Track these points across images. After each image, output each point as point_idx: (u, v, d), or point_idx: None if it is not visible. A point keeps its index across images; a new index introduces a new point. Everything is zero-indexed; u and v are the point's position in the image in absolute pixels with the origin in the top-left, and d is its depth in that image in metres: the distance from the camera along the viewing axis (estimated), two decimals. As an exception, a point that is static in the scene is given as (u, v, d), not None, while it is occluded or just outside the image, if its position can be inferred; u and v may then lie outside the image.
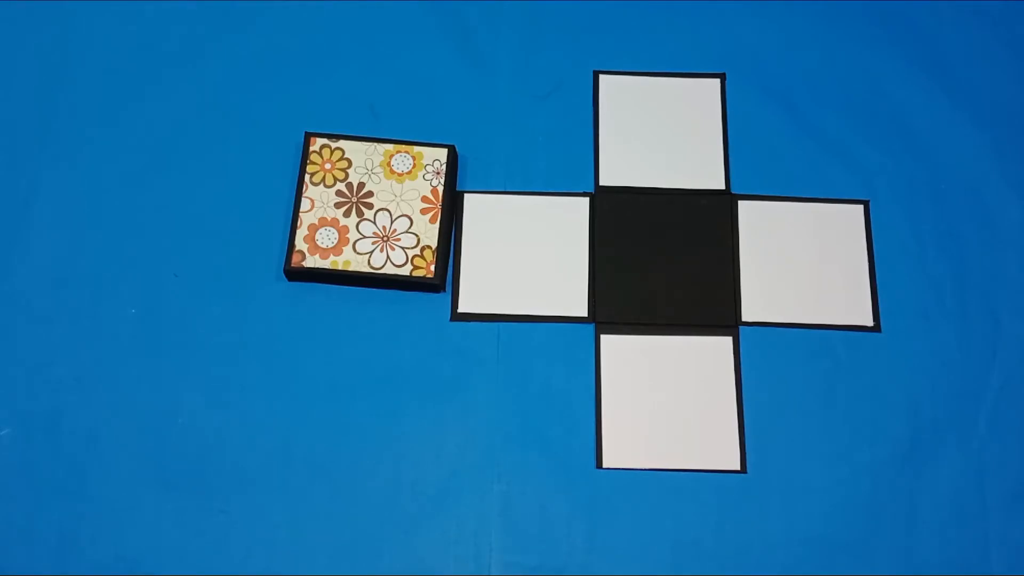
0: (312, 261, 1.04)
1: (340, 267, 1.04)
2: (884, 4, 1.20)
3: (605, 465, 0.99)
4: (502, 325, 1.04)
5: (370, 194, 1.07)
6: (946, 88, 1.15)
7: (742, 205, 1.10)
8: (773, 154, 1.12)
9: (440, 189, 1.07)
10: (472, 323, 1.04)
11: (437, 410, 1.01)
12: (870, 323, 1.05)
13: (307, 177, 1.08)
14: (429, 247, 1.05)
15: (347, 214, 1.06)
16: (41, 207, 1.08)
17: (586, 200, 1.09)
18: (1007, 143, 1.13)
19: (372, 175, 1.08)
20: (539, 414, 1.01)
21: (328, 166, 1.08)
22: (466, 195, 1.09)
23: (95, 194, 1.09)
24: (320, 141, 1.09)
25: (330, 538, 0.96)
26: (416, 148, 1.09)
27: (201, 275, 1.05)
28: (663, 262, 1.07)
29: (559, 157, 1.11)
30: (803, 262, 1.07)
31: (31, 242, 1.07)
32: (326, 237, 1.05)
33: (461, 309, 1.05)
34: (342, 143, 1.09)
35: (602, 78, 1.15)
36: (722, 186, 1.11)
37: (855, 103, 1.15)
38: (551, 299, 1.05)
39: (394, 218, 1.06)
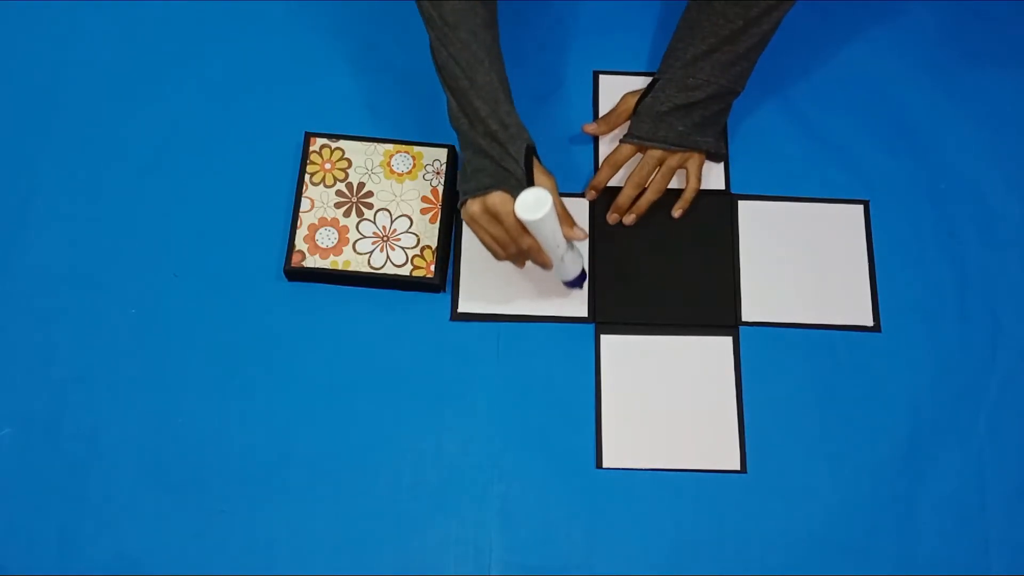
0: (312, 261, 1.04)
1: (340, 267, 1.04)
2: (884, 4, 1.20)
3: (605, 465, 0.99)
4: (502, 325, 1.04)
5: (370, 194, 1.07)
6: (946, 88, 1.15)
7: (742, 205, 1.10)
8: (773, 154, 1.12)
9: (440, 189, 1.07)
10: (472, 323, 1.04)
11: (437, 410, 1.01)
12: (870, 323, 1.05)
13: (307, 177, 1.08)
14: (429, 247, 1.05)
15: (347, 214, 1.06)
16: (41, 207, 1.08)
17: (586, 200, 1.09)
18: (1007, 143, 1.13)
19: (372, 175, 1.08)
20: (539, 414, 1.01)
21: (328, 166, 1.08)
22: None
23: (95, 194, 1.09)
24: (320, 141, 1.09)
25: (330, 538, 0.96)
26: (416, 148, 1.09)
27: (201, 275, 1.05)
28: (663, 262, 1.07)
29: (559, 157, 1.11)
30: (803, 262, 1.07)
31: (31, 242, 1.07)
32: (326, 237, 1.05)
33: (461, 309, 1.05)
34: (342, 143, 1.09)
35: (602, 78, 1.15)
36: (722, 186, 1.11)
37: (855, 103, 1.15)
38: (551, 299, 1.05)
39: (394, 218, 1.06)
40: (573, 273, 0.99)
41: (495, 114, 0.92)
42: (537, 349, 1.03)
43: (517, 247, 0.94)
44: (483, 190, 0.92)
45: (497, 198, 0.91)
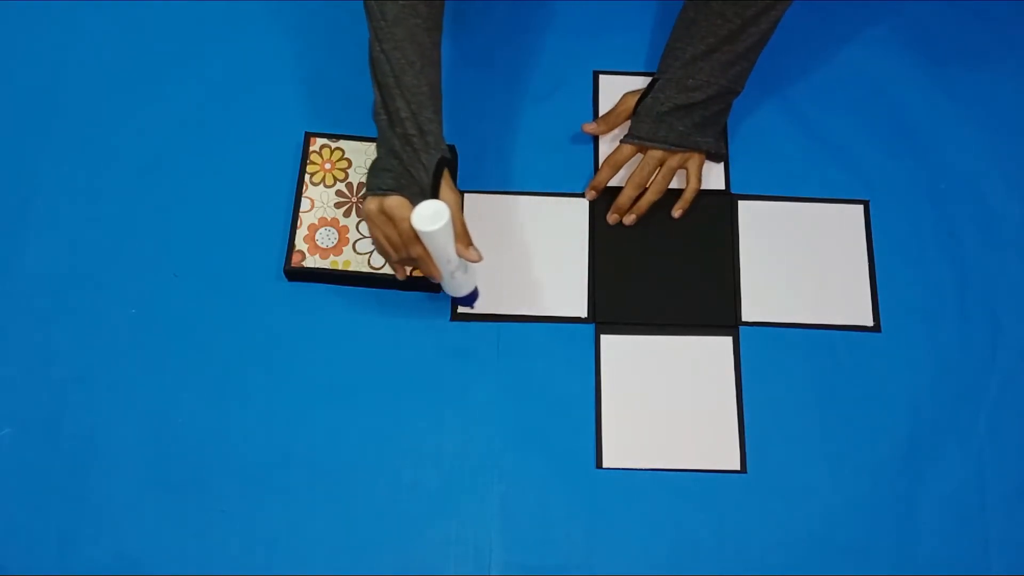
0: (312, 261, 1.04)
1: (340, 267, 1.04)
2: (884, 4, 1.20)
3: (605, 465, 0.99)
4: (502, 325, 1.04)
5: (370, 194, 1.07)
6: (946, 88, 1.15)
7: (742, 205, 1.10)
8: (773, 154, 1.12)
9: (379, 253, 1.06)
10: (472, 323, 1.04)
11: (437, 410, 1.01)
12: (870, 323, 1.05)
13: (307, 177, 1.08)
14: (429, 247, 1.05)
15: (347, 214, 1.06)
16: (41, 207, 1.08)
17: (586, 200, 1.09)
18: (1007, 143, 1.13)
19: (372, 175, 1.08)
20: (539, 414, 1.01)
21: (328, 166, 1.08)
22: (466, 195, 1.09)
23: (95, 194, 1.09)
24: (320, 141, 1.09)
25: (330, 538, 0.96)
26: (416, 148, 1.09)
27: (201, 275, 1.05)
28: (663, 262, 1.07)
29: (559, 157, 1.11)
30: (803, 262, 1.07)
31: (31, 242, 1.07)
32: (326, 237, 1.05)
33: (461, 309, 1.05)
34: (342, 143, 1.09)
35: (602, 78, 1.15)
36: (722, 186, 1.11)
37: (855, 103, 1.15)
38: (551, 299, 1.05)
39: (394, 218, 1.06)
40: (463, 291, 0.98)
41: (415, 119, 0.91)
42: (537, 349, 1.03)
43: (407, 253, 0.93)
44: (384, 191, 0.92)
45: (395, 202, 0.90)
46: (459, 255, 0.92)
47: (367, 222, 0.95)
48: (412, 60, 0.91)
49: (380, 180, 0.92)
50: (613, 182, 1.08)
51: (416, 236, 0.88)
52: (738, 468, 0.99)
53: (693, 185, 1.06)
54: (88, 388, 1.01)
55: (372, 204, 0.93)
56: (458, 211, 0.93)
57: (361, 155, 1.09)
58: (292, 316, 1.04)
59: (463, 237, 0.93)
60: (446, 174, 0.93)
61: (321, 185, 1.07)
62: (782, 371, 1.03)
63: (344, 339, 1.03)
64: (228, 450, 0.99)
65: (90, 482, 0.98)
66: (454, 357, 1.03)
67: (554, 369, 1.03)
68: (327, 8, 1.18)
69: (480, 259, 0.94)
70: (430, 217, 0.85)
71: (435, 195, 0.91)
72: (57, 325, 1.03)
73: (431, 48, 0.93)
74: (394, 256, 0.95)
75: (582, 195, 1.09)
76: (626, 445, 1.00)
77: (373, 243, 0.96)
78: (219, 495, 0.97)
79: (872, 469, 0.99)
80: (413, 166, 0.91)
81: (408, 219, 0.87)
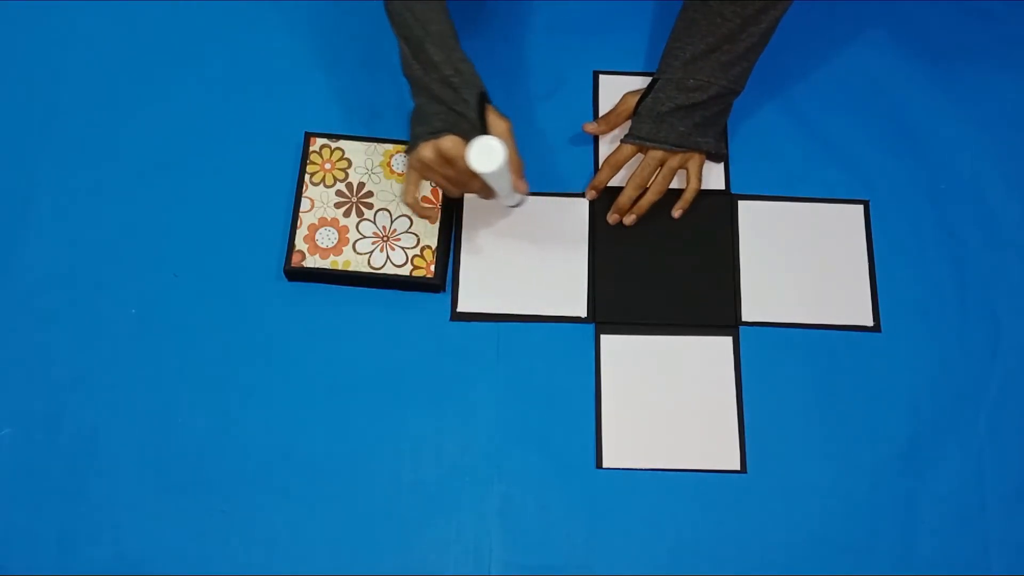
0: (312, 261, 1.04)
1: (340, 267, 1.04)
2: (884, 4, 1.20)
3: (605, 465, 0.99)
4: (502, 325, 1.04)
5: (370, 194, 1.07)
6: (946, 88, 1.15)
7: (742, 205, 1.10)
8: (773, 154, 1.12)
9: (440, 189, 1.07)
10: (472, 323, 1.04)
11: (437, 410, 1.01)
12: (870, 323, 1.05)
13: (307, 177, 1.08)
14: (429, 247, 1.05)
15: (347, 214, 1.06)
16: (41, 207, 1.08)
17: (586, 200, 1.09)
18: (1007, 143, 1.13)
19: (372, 175, 1.08)
20: (539, 414, 1.01)
21: (328, 166, 1.08)
22: (466, 195, 1.09)
23: (95, 194, 1.09)
24: (320, 141, 1.09)
25: (330, 538, 0.96)
26: (416, 148, 1.09)
27: (201, 275, 1.05)
28: (663, 262, 1.07)
29: (559, 157, 1.11)
30: (803, 262, 1.07)
31: (31, 242, 1.07)
32: (326, 237, 1.05)
33: (461, 309, 1.05)
34: (342, 143, 1.09)
35: (602, 78, 1.15)
36: (722, 186, 1.11)
37: (855, 103, 1.15)
38: (551, 299, 1.05)
39: (394, 218, 1.06)
40: (515, 200, 1.04)
41: (449, 61, 0.93)
42: (537, 349, 1.03)
43: (468, 188, 0.97)
44: (435, 134, 0.93)
45: (449, 142, 0.92)
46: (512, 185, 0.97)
47: (421, 170, 0.97)
48: (434, 6, 0.94)
49: (428, 125, 0.94)
50: (613, 182, 1.08)
51: (473, 172, 0.91)
52: (738, 468, 0.99)
53: (693, 185, 1.06)
54: (88, 388, 1.01)
55: (426, 150, 0.94)
56: (510, 138, 0.96)
57: (361, 155, 1.09)
58: (292, 316, 1.04)
59: (516, 167, 0.96)
60: (489, 106, 0.95)
61: (321, 185, 1.07)
62: (782, 371, 1.03)
63: (344, 339, 1.03)
64: (228, 450, 0.99)
65: (90, 482, 0.98)
66: (454, 357, 1.03)
67: (554, 369, 1.03)
68: (328, 8, 1.18)
69: (527, 190, 0.99)
70: (487, 155, 0.89)
71: (484, 128, 0.93)
72: (57, 325, 1.03)
73: None
74: (455, 192, 0.99)
75: (582, 195, 1.09)
76: (626, 445, 1.00)
77: (435, 184, 1.00)
78: (219, 495, 0.97)
79: (872, 469, 0.99)
80: (457, 104, 0.93)
81: (464, 157, 0.90)
